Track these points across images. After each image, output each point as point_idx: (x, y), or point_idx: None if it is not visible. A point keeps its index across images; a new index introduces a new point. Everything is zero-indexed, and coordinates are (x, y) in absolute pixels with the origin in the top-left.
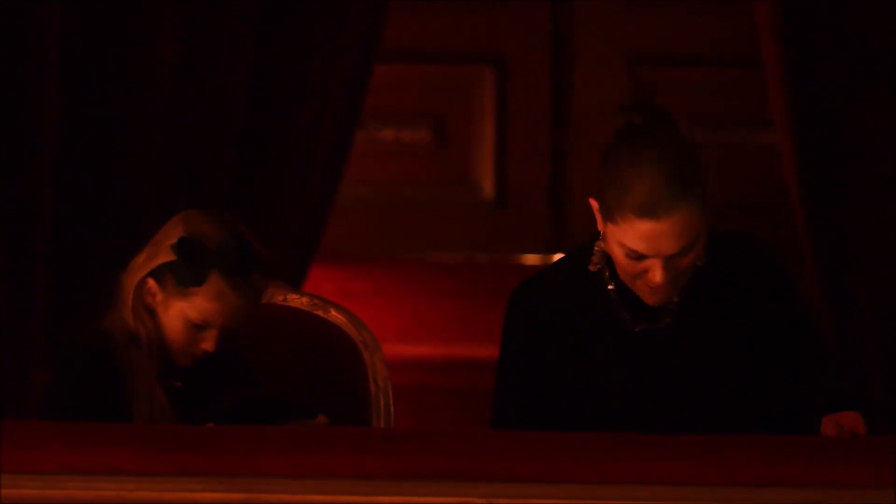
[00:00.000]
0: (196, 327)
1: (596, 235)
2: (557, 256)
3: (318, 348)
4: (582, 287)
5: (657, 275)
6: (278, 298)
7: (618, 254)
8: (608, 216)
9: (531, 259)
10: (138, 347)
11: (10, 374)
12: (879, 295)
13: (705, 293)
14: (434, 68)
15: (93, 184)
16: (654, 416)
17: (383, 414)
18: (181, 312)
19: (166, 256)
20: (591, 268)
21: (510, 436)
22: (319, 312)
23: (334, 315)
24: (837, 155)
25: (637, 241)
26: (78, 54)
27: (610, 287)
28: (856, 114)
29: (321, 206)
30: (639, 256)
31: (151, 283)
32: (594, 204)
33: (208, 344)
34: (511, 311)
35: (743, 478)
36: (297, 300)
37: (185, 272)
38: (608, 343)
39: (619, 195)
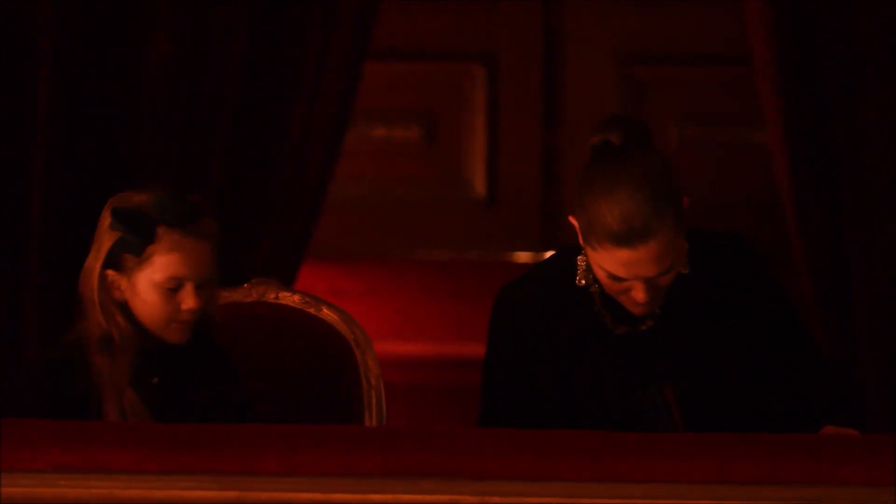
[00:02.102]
0: (170, 290)
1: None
2: (549, 254)
3: (309, 346)
4: (566, 289)
5: (640, 295)
6: (270, 296)
7: (599, 275)
8: (586, 241)
9: (522, 257)
10: (111, 350)
11: (4, 376)
12: (872, 294)
13: (688, 295)
14: (425, 66)
15: (83, 183)
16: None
17: (375, 412)
18: (149, 281)
19: (110, 239)
20: (578, 282)
21: (503, 434)
22: (311, 311)
23: (326, 313)
24: (828, 153)
25: (616, 266)
26: (70, 53)
27: (593, 289)
28: (847, 112)
29: (312, 204)
30: (620, 279)
31: (110, 272)
32: (574, 223)
33: (189, 301)
34: (495, 313)
35: (738, 475)
36: (288, 298)
37: (133, 240)
38: (591, 345)
39: (594, 224)
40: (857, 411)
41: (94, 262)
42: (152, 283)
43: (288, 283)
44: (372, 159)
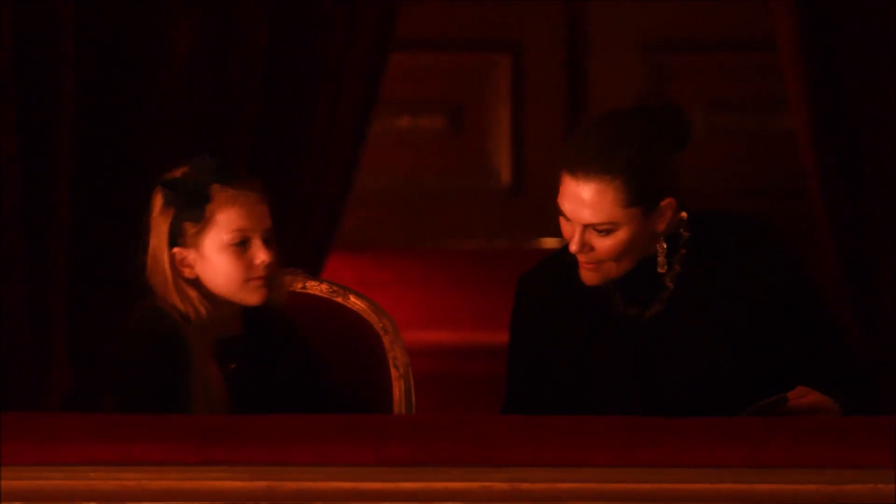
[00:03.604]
0: (239, 248)
1: None
2: None
3: (338, 335)
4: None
5: (574, 242)
6: (297, 286)
7: (560, 217)
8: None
9: (549, 244)
10: (191, 328)
11: (32, 370)
12: None
13: (701, 279)
14: (450, 56)
15: (108, 178)
16: (649, 401)
17: (404, 400)
18: (216, 244)
19: (167, 217)
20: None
21: (533, 421)
22: (339, 299)
23: (354, 302)
24: (854, 138)
25: (562, 198)
26: (93, 50)
27: None
28: (872, 96)
29: (338, 195)
30: (565, 217)
31: (177, 250)
32: None
33: (261, 255)
34: (515, 301)
35: (766, 460)
36: (316, 287)
37: (190, 206)
38: (603, 329)
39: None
40: (868, 395)
41: (159, 244)
42: (220, 244)
43: (315, 273)
44: (398, 150)
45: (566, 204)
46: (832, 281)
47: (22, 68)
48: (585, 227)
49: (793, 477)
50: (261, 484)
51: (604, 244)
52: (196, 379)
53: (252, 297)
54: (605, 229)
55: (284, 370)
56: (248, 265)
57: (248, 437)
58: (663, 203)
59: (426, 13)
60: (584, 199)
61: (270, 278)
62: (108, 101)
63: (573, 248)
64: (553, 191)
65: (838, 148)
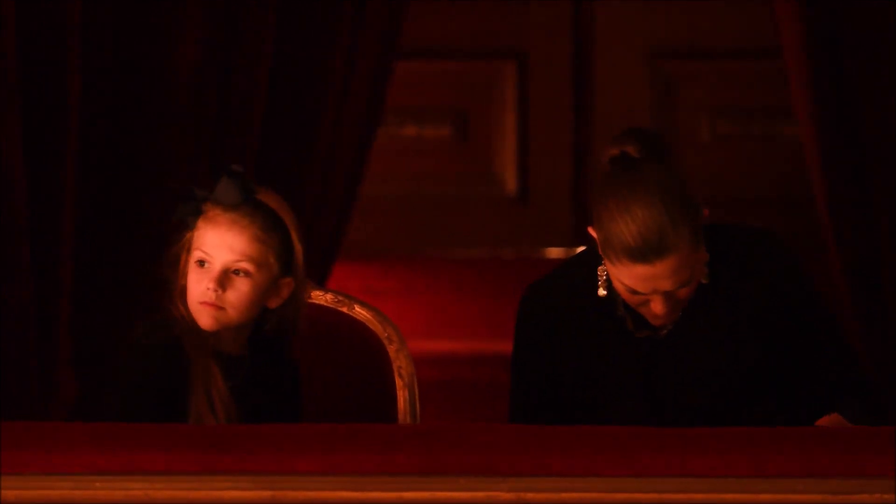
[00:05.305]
0: (202, 268)
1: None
2: (580, 250)
3: (342, 344)
4: (589, 291)
5: (658, 308)
6: None
7: (619, 288)
8: (605, 254)
9: (554, 254)
10: (189, 336)
11: (36, 373)
12: None
13: (711, 297)
14: (456, 64)
15: (115, 185)
16: (658, 419)
17: (409, 410)
18: (191, 258)
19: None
20: (600, 293)
21: (539, 431)
22: (344, 309)
23: (359, 311)
24: (860, 146)
25: (634, 281)
26: (100, 56)
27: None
28: (878, 105)
29: (344, 203)
30: (638, 293)
31: (183, 255)
32: (593, 234)
33: (206, 282)
34: (521, 312)
35: (773, 469)
36: (321, 297)
37: (189, 218)
38: (614, 347)
39: (611, 240)
40: (879, 408)
41: (177, 248)
42: (191, 259)
43: (320, 282)
44: (404, 158)
45: (640, 285)
46: (836, 288)
47: (28, 72)
48: (667, 292)
49: (798, 486)
50: (265, 493)
51: (685, 292)
52: (196, 389)
53: (200, 320)
54: (686, 282)
55: (273, 406)
56: (203, 289)
57: (253, 446)
58: (705, 213)
59: (431, 21)
60: (665, 273)
61: (224, 311)
62: (113, 105)
63: (661, 312)
64: (559, 200)
65: (844, 155)
